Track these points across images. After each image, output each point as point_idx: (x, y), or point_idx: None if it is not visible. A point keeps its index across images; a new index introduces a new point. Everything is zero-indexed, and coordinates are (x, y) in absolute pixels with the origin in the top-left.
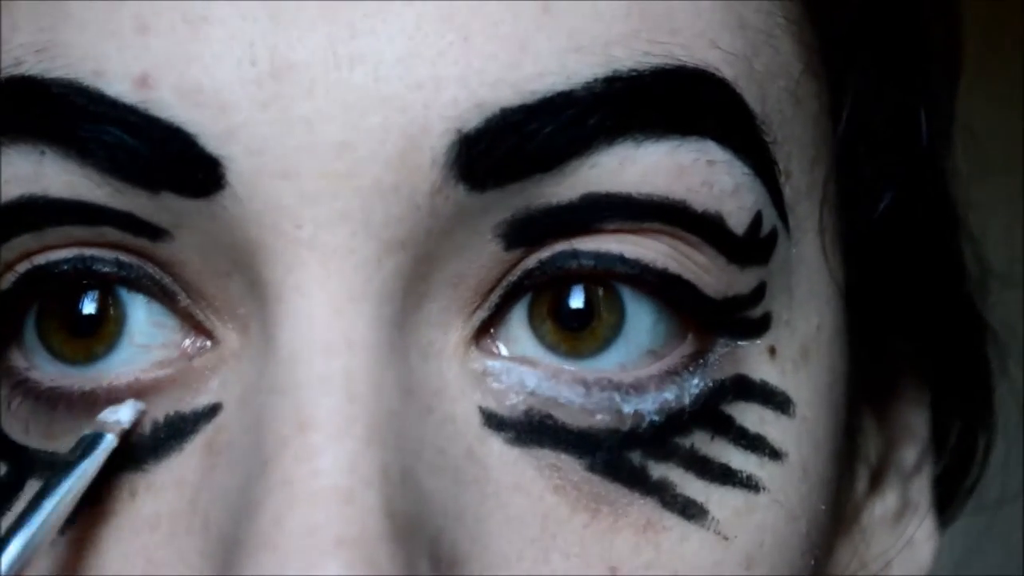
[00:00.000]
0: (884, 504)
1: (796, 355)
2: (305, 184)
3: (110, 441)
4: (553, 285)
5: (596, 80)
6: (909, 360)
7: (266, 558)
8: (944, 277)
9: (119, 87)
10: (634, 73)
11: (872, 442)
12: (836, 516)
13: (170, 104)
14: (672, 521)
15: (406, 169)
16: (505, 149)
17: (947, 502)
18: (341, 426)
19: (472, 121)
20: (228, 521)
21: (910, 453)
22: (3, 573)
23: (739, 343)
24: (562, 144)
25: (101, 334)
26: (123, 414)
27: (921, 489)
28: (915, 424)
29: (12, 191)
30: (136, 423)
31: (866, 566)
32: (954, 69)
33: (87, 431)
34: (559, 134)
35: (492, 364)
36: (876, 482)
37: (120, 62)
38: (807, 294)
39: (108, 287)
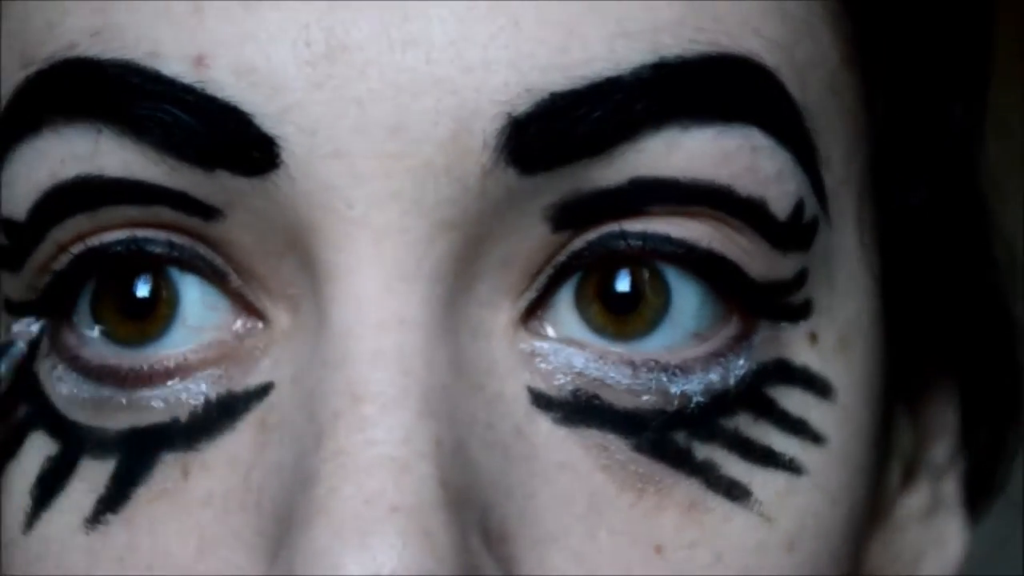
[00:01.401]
0: (915, 499)
1: (836, 342)
2: (357, 164)
3: (19, 349)
4: (599, 268)
5: (644, 66)
6: (941, 357)
7: (322, 526)
8: (975, 272)
9: (176, 67)
10: (680, 59)
11: (905, 436)
12: (872, 507)
13: (227, 84)
14: (716, 502)
15: (457, 151)
16: (554, 133)
17: (976, 500)
18: (395, 398)
19: (522, 105)
20: (282, 496)
21: (941, 450)
22: None
23: (781, 327)
24: (610, 129)
25: (154, 316)
26: (34, 326)
27: (951, 486)
28: (946, 421)
29: (68, 171)
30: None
31: (896, 560)
32: (987, 62)
33: None
34: (607, 119)
35: (540, 345)
36: (908, 477)
37: (176, 43)
38: (847, 283)
39: (161, 270)
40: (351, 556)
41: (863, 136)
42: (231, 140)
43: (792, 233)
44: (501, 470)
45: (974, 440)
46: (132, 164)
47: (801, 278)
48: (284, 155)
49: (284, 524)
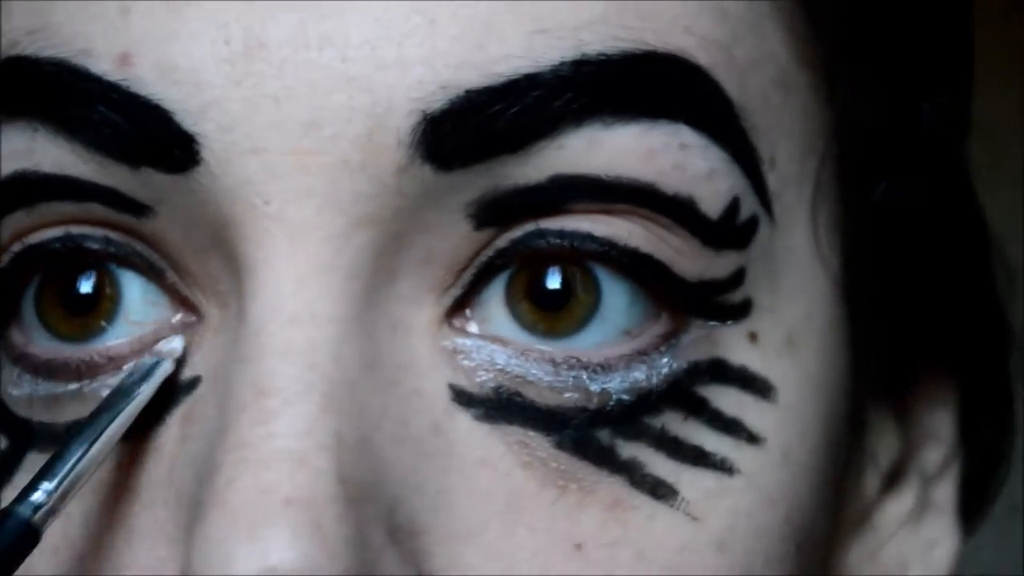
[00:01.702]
0: (900, 504)
1: (780, 342)
2: (273, 160)
3: (167, 368)
4: (530, 265)
5: (564, 63)
6: (933, 359)
7: (216, 517)
8: (961, 271)
9: (104, 65)
10: (603, 57)
11: (885, 440)
12: (841, 508)
13: (150, 81)
14: (640, 500)
15: (372, 148)
16: (470, 130)
17: (972, 505)
18: (298, 392)
19: (437, 102)
20: (194, 489)
21: (933, 454)
22: (69, 479)
23: (716, 326)
24: (527, 125)
25: (97, 312)
26: (176, 343)
27: (945, 491)
28: (939, 425)
29: (9, 167)
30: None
31: (879, 566)
32: (963, 59)
33: (146, 361)
34: (524, 116)
35: (463, 342)
36: (893, 482)
37: (104, 41)
38: (794, 282)
39: (103, 266)
40: (242, 547)
41: (821, 134)
42: (154, 137)
43: (725, 232)
44: (412, 466)
45: (970, 444)
46: (65, 161)
47: (738, 277)
48: (204, 152)
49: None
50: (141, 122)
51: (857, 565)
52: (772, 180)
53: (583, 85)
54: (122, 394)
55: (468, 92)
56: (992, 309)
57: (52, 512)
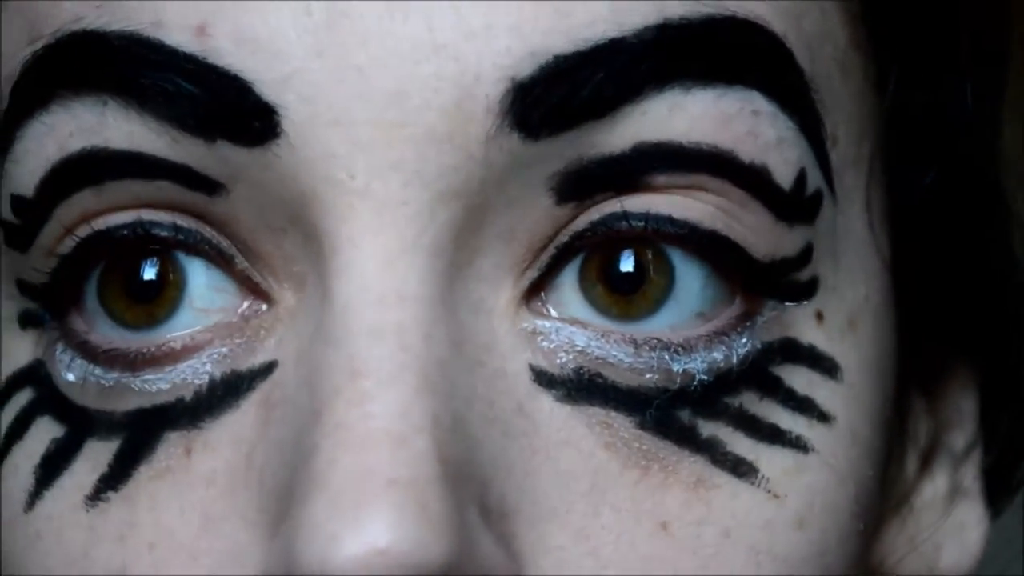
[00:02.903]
0: (934, 486)
1: (843, 322)
2: (358, 132)
3: None
4: (603, 248)
5: (647, 28)
6: (960, 344)
7: (319, 498)
8: (991, 259)
9: (179, 37)
10: (685, 21)
11: (922, 424)
12: (885, 490)
13: (227, 52)
14: (723, 479)
15: (460, 117)
16: (558, 96)
17: (997, 491)
18: (393, 373)
19: (526, 69)
20: (283, 473)
21: (960, 437)
22: None
23: (787, 306)
24: (613, 90)
25: (162, 299)
26: None
27: (971, 474)
28: (964, 408)
29: (75, 143)
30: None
31: (916, 547)
32: (1002, 47)
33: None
34: (611, 80)
35: (542, 324)
36: (926, 464)
37: (178, 13)
38: (854, 264)
39: (168, 253)
40: (348, 529)
41: (873, 119)
42: (232, 109)
43: (796, 204)
44: (501, 446)
45: (993, 428)
46: (136, 136)
47: (807, 254)
48: (284, 124)
49: (285, 501)
50: (219, 93)
51: (894, 545)
52: (834, 158)
53: (666, 49)
54: None
55: (556, 58)
56: (1013, 295)
57: None
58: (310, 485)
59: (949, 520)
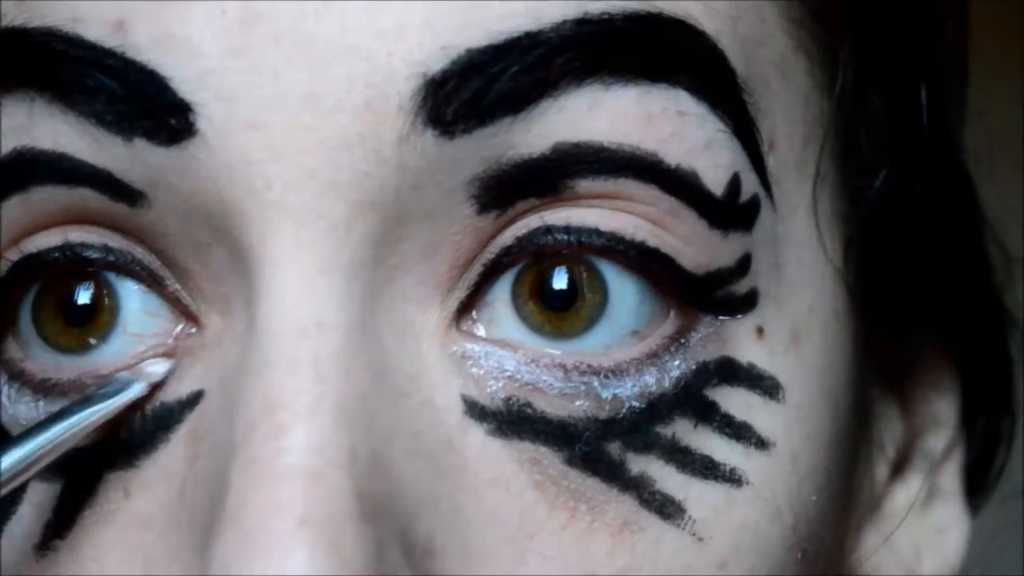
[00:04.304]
0: (908, 491)
1: (786, 337)
2: (273, 137)
3: (139, 388)
4: (535, 265)
5: (566, 22)
6: (934, 346)
7: (230, 538)
8: (958, 261)
9: (97, 32)
10: (605, 16)
11: (891, 428)
12: (846, 503)
13: (146, 48)
14: (648, 521)
15: (372, 117)
16: (472, 91)
17: (974, 490)
18: (309, 407)
19: (437, 63)
20: (208, 508)
21: (937, 440)
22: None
23: (724, 321)
24: (530, 85)
25: (95, 324)
26: (159, 366)
27: (951, 476)
28: (942, 410)
29: (8, 144)
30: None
31: (894, 553)
32: (960, 49)
33: (120, 375)
34: (526, 74)
35: (472, 347)
36: (899, 469)
37: (96, 9)
38: (798, 273)
39: (101, 276)
40: (258, 569)
41: (820, 123)
42: (149, 105)
43: (730, 211)
44: (427, 481)
45: (971, 429)
46: (60, 135)
47: (744, 264)
48: (200, 123)
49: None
50: (137, 89)
51: (872, 553)
52: (772, 163)
53: (585, 44)
54: (89, 403)
55: (469, 52)
56: (989, 295)
57: None
58: (222, 523)
59: (927, 523)
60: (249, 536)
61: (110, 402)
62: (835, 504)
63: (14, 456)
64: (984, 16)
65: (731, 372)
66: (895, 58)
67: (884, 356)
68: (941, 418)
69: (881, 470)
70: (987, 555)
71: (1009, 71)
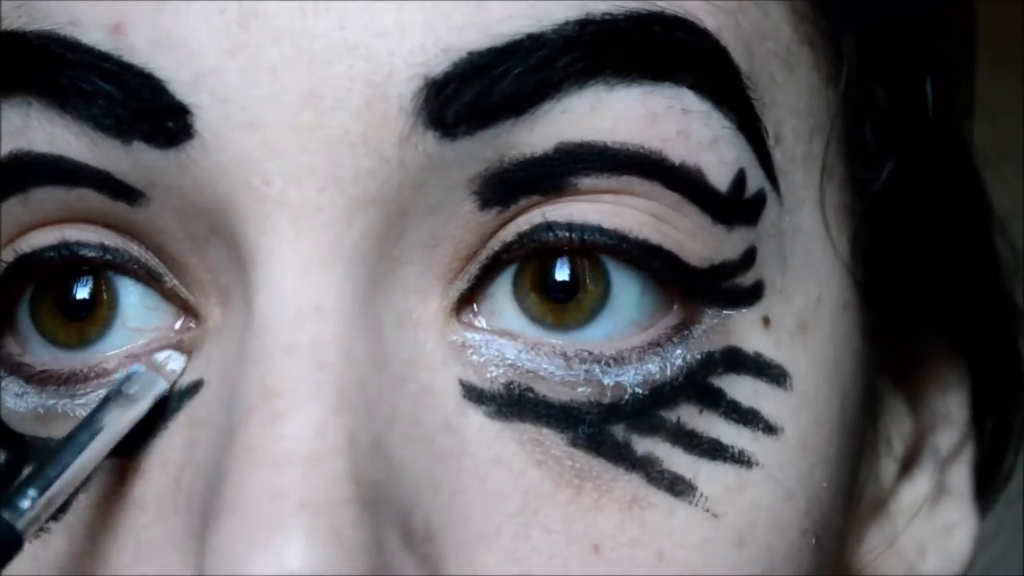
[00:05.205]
0: (915, 489)
1: (793, 327)
2: (272, 136)
3: (162, 387)
4: (537, 257)
5: (568, 23)
6: (944, 344)
7: (228, 522)
8: (965, 255)
9: (95, 35)
10: (608, 17)
11: (899, 425)
12: (853, 498)
13: (142, 50)
14: (658, 498)
15: (373, 118)
16: (474, 93)
17: (983, 490)
18: (308, 393)
19: (439, 65)
20: (206, 495)
21: (946, 438)
22: (55, 487)
23: (729, 313)
24: (531, 87)
25: (94, 318)
26: (176, 363)
27: (960, 475)
28: (951, 409)
29: (5, 147)
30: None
31: (898, 551)
32: (967, 41)
33: (137, 369)
34: (528, 76)
35: (471, 336)
36: (907, 466)
37: (94, 12)
38: (805, 265)
39: (99, 273)
40: (256, 553)
41: (826, 116)
42: (147, 108)
43: (735, 206)
44: (426, 466)
45: (981, 428)
46: (58, 138)
47: (749, 257)
48: (198, 124)
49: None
50: (134, 92)
51: (875, 552)
52: (778, 157)
53: (587, 45)
54: (116, 405)
55: (471, 54)
56: (998, 289)
57: (37, 519)
58: (221, 508)
59: (934, 522)
60: (247, 520)
61: (141, 404)
62: (844, 495)
63: (65, 478)
64: (989, 13)
65: (737, 361)
66: (900, 50)
67: (892, 351)
68: (951, 415)
69: (887, 467)
70: (989, 557)
71: (1014, 67)
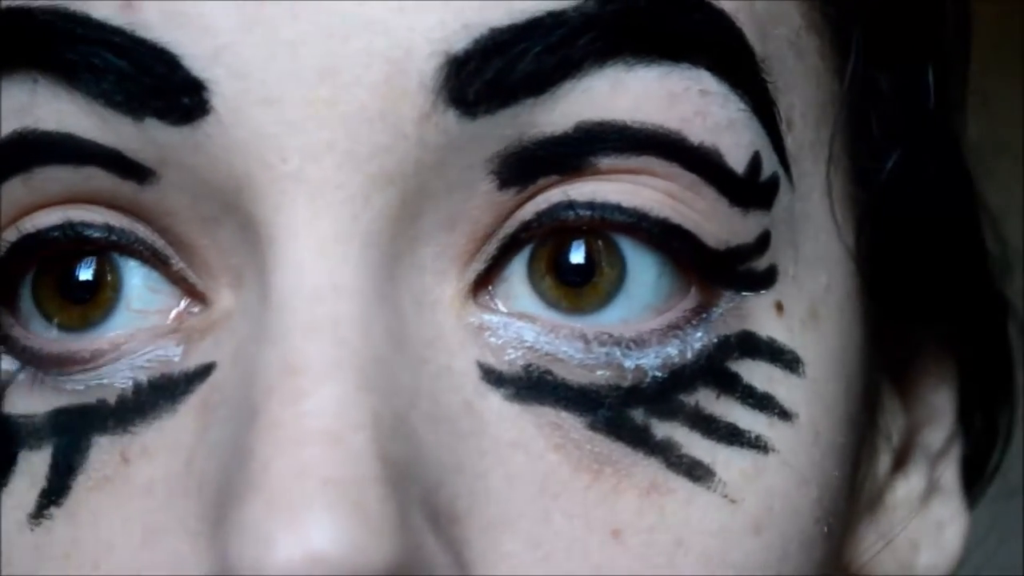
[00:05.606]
0: (908, 485)
1: (804, 313)
2: (289, 111)
3: None
4: (552, 239)
5: (588, 1)
6: (934, 339)
7: (253, 500)
8: (958, 250)
9: (105, 10)
10: None
11: (895, 421)
12: (854, 490)
13: (155, 25)
14: (677, 483)
15: (392, 94)
16: (494, 71)
17: (971, 485)
18: (329, 370)
19: (460, 42)
20: (221, 477)
21: (936, 434)
22: None
23: (744, 296)
24: (552, 65)
25: (97, 301)
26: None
27: (949, 471)
28: (941, 405)
29: (8, 126)
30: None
31: (891, 547)
32: (965, 32)
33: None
34: (549, 55)
35: (489, 318)
36: (900, 462)
37: None
38: (814, 252)
39: (103, 254)
40: (282, 530)
41: (833, 104)
42: (160, 84)
43: (751, 189)
44: (449, 447)
45: (970, 424)
46: (66, 116)
47: (764, 241)
48: (214, 100)
49: (223, 506)
50: (147, 68)
51: (869, 547)
52: (790, 142)
53: (607, 24)
54: None
55: (492, 31)
56: (989, 286)
57: None
58: (245, 487)
59: (926, 518)
60: (274, 498)
61: None
62: (849, 485)
63: None
64: (988, 9)
65: (752, 345)
66: (905, 39)
67: (889, 345)
68: (940, 411)
69: (884, 462)
70: (985, 552)
71: (1011, 63)
